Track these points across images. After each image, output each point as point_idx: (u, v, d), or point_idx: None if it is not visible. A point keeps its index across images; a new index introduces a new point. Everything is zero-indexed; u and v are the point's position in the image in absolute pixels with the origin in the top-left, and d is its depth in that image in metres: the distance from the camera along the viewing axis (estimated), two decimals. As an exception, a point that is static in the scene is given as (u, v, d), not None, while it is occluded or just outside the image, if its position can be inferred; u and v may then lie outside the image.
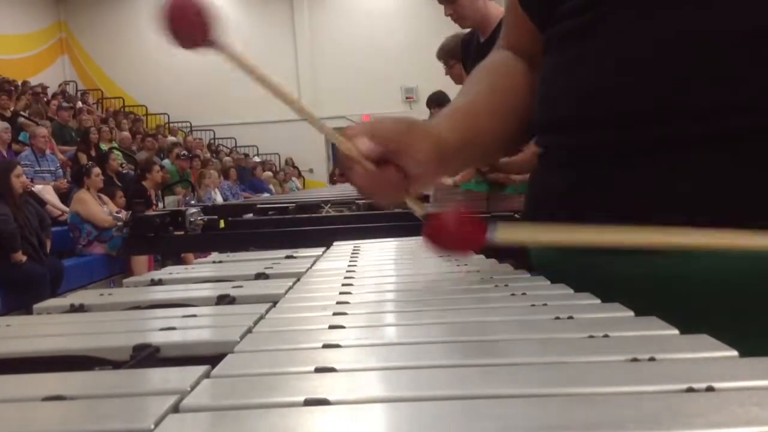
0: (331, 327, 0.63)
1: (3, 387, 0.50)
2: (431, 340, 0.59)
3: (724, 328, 0.55)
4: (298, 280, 0.98)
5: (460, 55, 3.79)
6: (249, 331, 0.64)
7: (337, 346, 0.55)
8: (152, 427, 0.38)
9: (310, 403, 0.41)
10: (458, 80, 4.00)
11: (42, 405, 0.44)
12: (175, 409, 0.41)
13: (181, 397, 0.42)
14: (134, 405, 0.43)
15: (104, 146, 9.35)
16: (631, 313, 0.62)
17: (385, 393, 0.44)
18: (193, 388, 0.45)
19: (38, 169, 7.24)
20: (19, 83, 11.37)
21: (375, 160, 0.75)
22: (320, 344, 0.56)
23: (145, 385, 0.49)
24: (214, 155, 13.44)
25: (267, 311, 0.73)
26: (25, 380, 0.52)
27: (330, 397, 0.41)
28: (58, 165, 7.63)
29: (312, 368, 0.49)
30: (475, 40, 2.93)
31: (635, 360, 0.47)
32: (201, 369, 0.48)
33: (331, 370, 0.48)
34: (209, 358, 0.55)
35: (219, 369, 0.50)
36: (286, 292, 0.87)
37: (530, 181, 1.03)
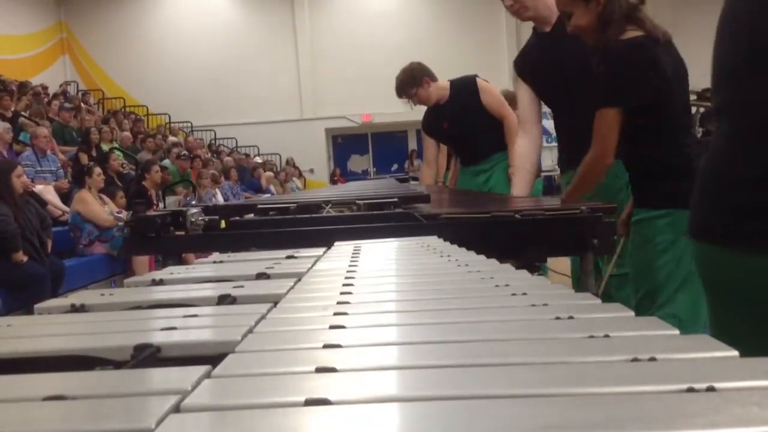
0: (332, 327, 0.63)
1: (5, 387, 0.50)
2: (432, 340, 0.59)
3: None
4: (299, 280, 0.98)
5: (421, 79, 4.01)
6: (250, 331, 0.64)
7: (338, 346, 0.55)
8: (153, 426, 0.38)
9: (311, 402, 0.41)
10: (427, 101, 4.06)
11: (43, 405, 0.44)
12: (176, 409, 0.41)
13: (182, 397, 0.42)
14: (135, 405, 0.43)
15: (105, 146, 9.34)
16: (632, 313, 0.62)
17: (386, 393, 0.44)
18: (194, 388, 0.45)
19: (39, 169, 7.23)
20: (20, 83, 11.36)
21: None
22: (321, 344, 0.56)
23: (147, 385, 0.49)
24: (215, 155, 13.43)
25: (268, 311, 0.73)
26: (27, 380, 0.52)
27: (331, 397, 0.41)
28: (59, 165, 7.61)
29: (313, 368, 0.49)
30: (531, 39, 2.93)
31: (636, 360, 0.47)
32: (202, 369, 0.48)
33: (332, 370, 0.48)
34: (210, 358, 0.55)
35: (220, 369, 0.50)
36: (287, 292, 0.87)
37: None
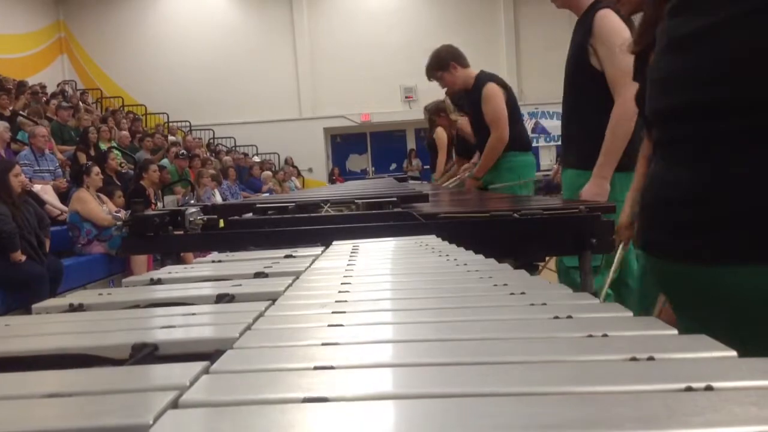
0: (330, 325, 0.63)
1: (5, 385, 0.50)
2: (430, 338, 0.59)
3: None
4: (297, 278, 0.98)
5: (446, 63, 4.01)
6: (248, 328, 0.64)
7: (336, 343, 0.56)
8: (151, 422, 0.38)
9: (308, 400, 0.41)
10: (453, 85, 4.07)
11: (42, 402, 0.44)
12: (175, 404, 0.41)
13: (180, 393, 0.43)
14: (134, 401, 0.43)
15: (103, 145, 9.33)
16: (630, 313, 0.62)
17: (384, 390, 0.44)
18: (192, 383, 0.45)
19: (37, 168, 7.22)
20: (18, 82, 11.34)
21: None
22: (319, 342, 0.56)
23: (145, 381, 0.49)
24: (214, 155, 13.41)
25: (266, 309, 0.73)
26: (27, 378, 0.52)
27: (328, 395, 0.41)
28: (57, 164, 7.61)
29: (311, 365, 0.49)
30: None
31: (634, 359, 0.47)
32: (200, 365, 0.49)
33: (330, 367, 0.48)
34: (208, 355, 0.55)
35: (218, 365, 0.50)
36: (285, 290, 0.87)
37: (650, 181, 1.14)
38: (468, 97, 4.10)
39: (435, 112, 5.48)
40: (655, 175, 1.12)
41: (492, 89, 3.94)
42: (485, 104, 3.91)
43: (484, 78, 4.02)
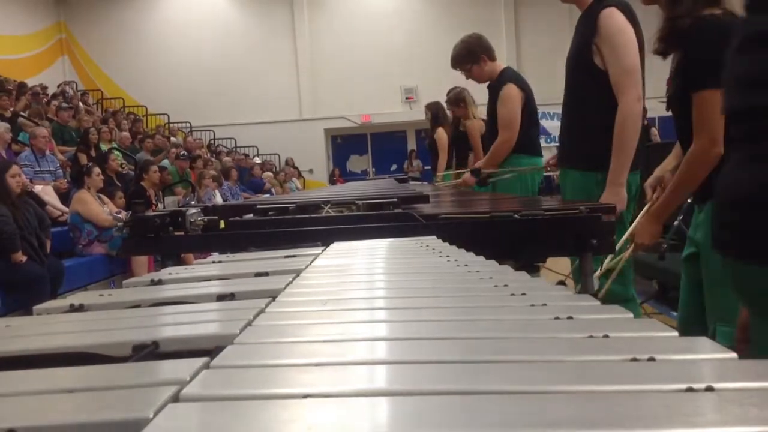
0: (329, 322, 0.63)
1: (9, 382, 0.50)
2: (430, 336, 0.59)
3: None
4: (297, 275, 0.98)
5: (478, 56, 3.88)
6: (249, 324, 0.64)
7: (335, 340, 0.56)
8: (151, 416, 0.38)
9: (308, 395, 0.41)
10: (480, 78, 3.97)
11: (48, 398, 0.45)
12: (175, 398, 0.42)
13: (180, 387, 0.43)
14: (135, 396, 0.43)
15: (104, 146, 9.33)
16: (630, 315, 0.62)
17: (384, 387, 0.44)
18: (192, 378, 0.45)
19: (38, 169, 7.21)
20: (19, 83, 11.33)
21: None
22: (318, 338, 0.56)
23: (146, 377, 0.49)
24: (214, 156, 13.40)
25: (267, 305, 0.73)
26: (32, 375, 0.52)
27: (328, 390, 0.42)
28: (58, 165, 7.60)
29: (310, 361, 0.49)
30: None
31: (635, 360, 0.47)
32: (200, 360, 0.49)
33: (329, 363, 0.48)
34: (209, 351, 0.55)
35: (218, 360, 0.50)
36: (286, 287, 0.87)
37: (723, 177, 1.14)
38: (490, 91, 3.98)
39: (455, 101, 5.38)
40: (723, 174, 1.14)
41: (510, 91, 3.82)
42: (500, 105, 3.82)
43: (506, 77, 3.90)
